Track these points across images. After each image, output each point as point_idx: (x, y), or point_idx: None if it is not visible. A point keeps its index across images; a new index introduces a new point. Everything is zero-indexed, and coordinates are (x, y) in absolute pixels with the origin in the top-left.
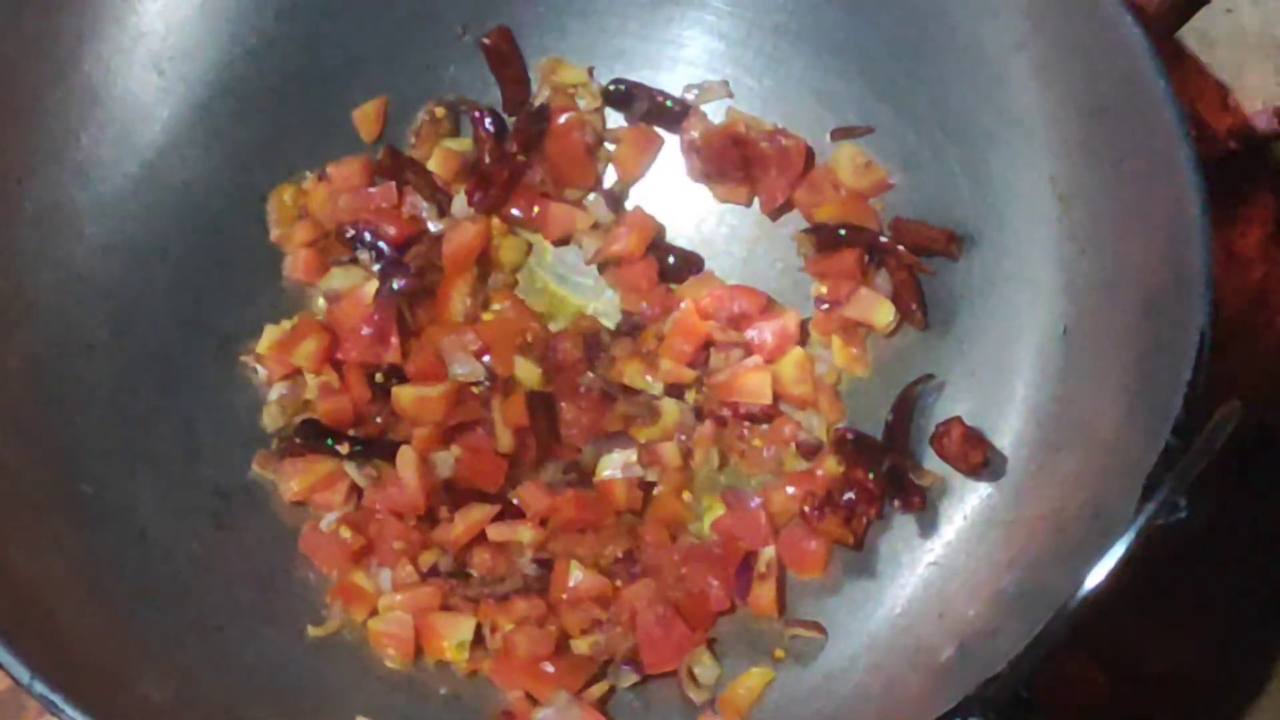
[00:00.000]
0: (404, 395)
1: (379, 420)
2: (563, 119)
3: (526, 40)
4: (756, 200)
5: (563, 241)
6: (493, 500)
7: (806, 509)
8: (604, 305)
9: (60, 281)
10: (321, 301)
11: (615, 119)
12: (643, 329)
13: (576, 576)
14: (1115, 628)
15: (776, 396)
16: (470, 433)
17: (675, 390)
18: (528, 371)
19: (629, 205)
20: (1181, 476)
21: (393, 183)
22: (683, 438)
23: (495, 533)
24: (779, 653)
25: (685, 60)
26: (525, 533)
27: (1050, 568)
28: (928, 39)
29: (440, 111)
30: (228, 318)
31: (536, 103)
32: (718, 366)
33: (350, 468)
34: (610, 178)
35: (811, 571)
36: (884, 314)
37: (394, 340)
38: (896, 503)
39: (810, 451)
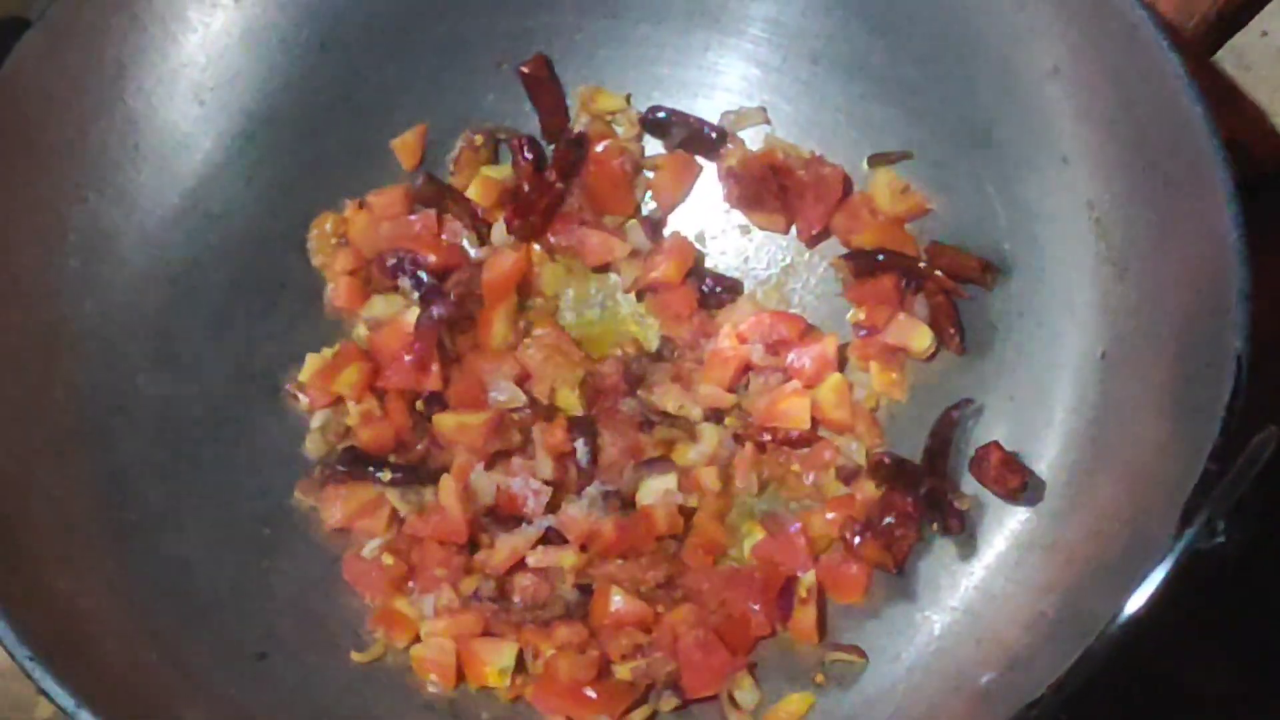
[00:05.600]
0: (445, 422)
1: (420, 447)
2: (601, 146)
3: (564, 68)
4: (794, 226)
5: (602, 268)
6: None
7: (846, 534)
8: (643, 331)
9: (104, 311)
10: (363, 329)
11: (653, 146)
12: (682, 354)
13: (617, 602)
14: (1155, 651)
15: (815, 421)
16: (511, 459)
17: (714, 415)
18: (568, 397)
19: (667, 232)
20: (1220, 501)
21: (433, 211)
22: (722, 462)
23: (536, 558)
24: (819, 677)
25: (722, 87)
26: (566, 558)
27: (1089, 592)
28: (963, 65)
29: (479, 139)
30: (270, 346)
31: (575, 130)
32: (757, 391)
33: (392, 495)
34: (649, 205)
35: (851, 596)
36: (922, 339)
37: (435, 367)
38: (935, 526)
39: (849, 476)
